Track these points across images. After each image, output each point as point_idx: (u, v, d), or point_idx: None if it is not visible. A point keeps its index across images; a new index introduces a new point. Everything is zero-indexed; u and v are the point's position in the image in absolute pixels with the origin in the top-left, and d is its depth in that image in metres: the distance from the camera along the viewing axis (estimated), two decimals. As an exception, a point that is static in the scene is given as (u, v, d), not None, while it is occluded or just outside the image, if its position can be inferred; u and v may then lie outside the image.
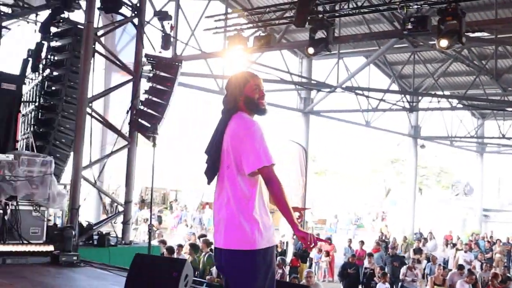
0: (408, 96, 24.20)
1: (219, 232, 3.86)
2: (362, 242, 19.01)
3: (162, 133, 10.20)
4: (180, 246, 13.74)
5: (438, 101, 24.01)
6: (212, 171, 4.01)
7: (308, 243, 3.73)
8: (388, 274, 14.50)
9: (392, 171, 48.38)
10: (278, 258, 14.43)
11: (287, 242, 18.77)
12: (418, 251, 19.23)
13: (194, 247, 13.63)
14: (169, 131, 29.02)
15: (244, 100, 3.96)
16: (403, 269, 14.99)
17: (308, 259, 17.87)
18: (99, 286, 7.30)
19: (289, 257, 17.35)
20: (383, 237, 23.87)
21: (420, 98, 24.70)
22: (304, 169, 21.88)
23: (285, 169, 24.84)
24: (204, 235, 17.29)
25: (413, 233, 26.84)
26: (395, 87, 25.21)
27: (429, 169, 47.49)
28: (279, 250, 16.85)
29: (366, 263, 15.93)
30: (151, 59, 10.47)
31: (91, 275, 7.93)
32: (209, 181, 4.05)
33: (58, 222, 10.90)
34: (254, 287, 3.76)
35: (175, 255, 12.66)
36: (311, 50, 11.31)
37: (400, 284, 14.83)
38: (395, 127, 28.92)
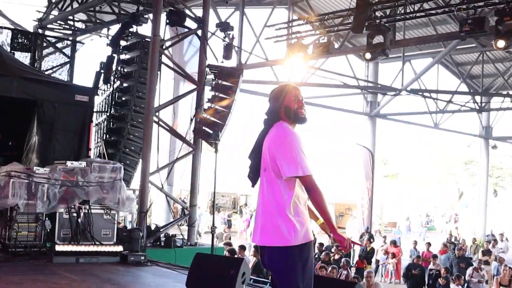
0: (478, 97, 23.86)
1: (258, 230, 4.22)
2: (428, 244, 18.94)
3: (231, 139, 10.66)
4: (242, 248, 14.20)
5: (511, 101, 23.53)
6: (254, 175, 4.37)
7: (345, 245, 4.09)
8: (462, 277, 14.44)
9: (465, 173, 47.39)
10: (343, 259, 14.67)
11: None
12: (486, 252, 19.00)
13: (258, 249, 14.05)
14: (239, 137, 29.59)
15: (284, 111, 4.30)
16: (469, 270, 14.94)
17: (374, 261, 17.99)
18: (163, 283, 7.80)
19: (355, 259, 17.56)
20: (452, 239, 23.61)
21: (490, 98, 24.28)
22: (370, 172, 21.99)
23: (351, 173, 24.93)
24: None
25: (484, 235, 26.37)
26: (464, 87, 24.89)
27: (505, 170, 46.25)
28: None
29: (431, 265, 15.93)
30: (214, 69, 10.96)
31: (156, 273, 8.48)
32: (253, 184, 4.43)
33: (128, 224, 11.55)
34: (292, 280, 4.10)
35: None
36: (368, 56, 11.53)
37: (466, 285, 14.77)
38: (465, 128, 28.48)
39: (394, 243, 19.23)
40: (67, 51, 15.57)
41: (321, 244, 17.24)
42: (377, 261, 18.50)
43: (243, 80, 14.53)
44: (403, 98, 21.54)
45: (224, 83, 10.75)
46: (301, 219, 4.14)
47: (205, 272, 7.27)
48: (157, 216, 15.10)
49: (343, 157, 27.52)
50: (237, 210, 40.02)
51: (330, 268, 12.34)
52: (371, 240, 19.14)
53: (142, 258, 9.20)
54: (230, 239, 17.92)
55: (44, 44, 15.58)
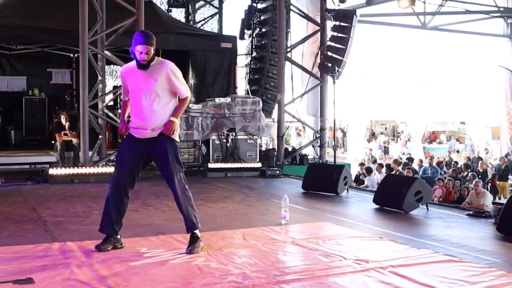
0: None
1: None
2: None
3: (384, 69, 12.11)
4: (380, 165, 16.10)
5: None
6: None
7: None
8: None
9: None
10: (470, 174, 16.00)
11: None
12: None
13: (388, 167, 15.88)
14: (392, 67, 30.45)
15: None
16: None
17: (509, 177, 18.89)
18: (287, 187, 10.07)
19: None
20: None
21: None
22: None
23: (493, 96, 25.23)
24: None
25: None
26: None
27: None
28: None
29: None
30: (331, 12, 12.75)
31: (285, 182, 10.82)
32: None
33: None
34: None
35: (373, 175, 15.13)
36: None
37: None
38: None
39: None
40: (216, 3, 17.99)
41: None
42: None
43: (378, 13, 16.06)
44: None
45: (341, 23, 12.47)
46: None
47: (315, 177, 9.42)
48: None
49: (484, 80, 27.60)
50: (394, 137, 41.05)
51: (446, 180, 13.85)
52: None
53: (277, 172, 11.53)
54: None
55: (196, -1, 18.15)
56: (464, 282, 4.44)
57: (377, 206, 8.03)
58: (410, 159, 19.74)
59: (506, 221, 6.28)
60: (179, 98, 5.41)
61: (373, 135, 37.06)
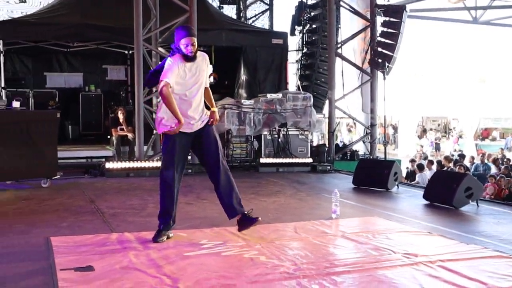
0: None
1: None
2: None
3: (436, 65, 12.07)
4: (430, 162, 15.98)
5: None
6: None
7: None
8: None
9: None
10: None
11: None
12: None
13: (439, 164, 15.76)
14: (445, 63, 30.04)
15: None
16: None
17: None
18: (337, 182, 10.15)
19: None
20: None
21: None
22: None
23: None
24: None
25: None
26: None
27: None
28: None
29: None
30: (381, 7, 12.73)
31: (336, 177, 10.93)
32: None
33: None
34: None
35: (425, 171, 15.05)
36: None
37: None
38: None
39: None
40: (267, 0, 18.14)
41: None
42: None
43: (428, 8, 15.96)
44: None
45: (391, 19, 12.44)
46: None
47: (366, 172, 9.48)
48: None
49: None
50: (446, 134, 40.44)
51: (498, 177, 13.69)
52: None
53: (328, 167, 11.62)
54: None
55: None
56: (513, 278, 4.46)
57: (427, 202, 8.05)
58: (462, 156, 19.52)
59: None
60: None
61: (424, 132, 36.65)
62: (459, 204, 7.58)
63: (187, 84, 5.33)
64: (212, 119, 5.48)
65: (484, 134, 34.94)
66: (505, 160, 19.90)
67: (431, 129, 35.12)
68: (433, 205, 7.90)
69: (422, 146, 26.86)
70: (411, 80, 28.75)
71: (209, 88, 5.65)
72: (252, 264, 4.71)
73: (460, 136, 33.53)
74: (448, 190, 7.68)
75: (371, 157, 13.03)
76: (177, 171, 5.46)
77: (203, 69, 5.42)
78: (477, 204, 7.76)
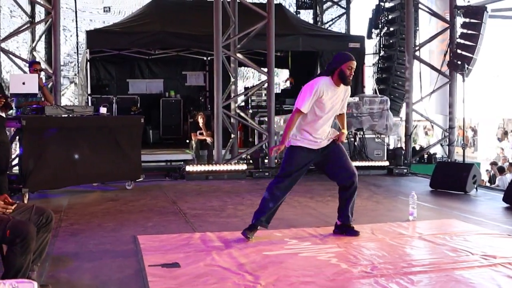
0: None
1: None
2: None
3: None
4: (511, 165, 15.59)
5: None
6: None
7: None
8: None
9: None
10: None
11: None
12: None
13: None
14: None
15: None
16: None
17: None
18: (414, 185, 10.10)
19: None
20: None
21: None
22: None
23: None
24: None
25: None
26: None
27: None
28: None
29: None
30: (461, 8, 12.54)
31: (413, 180, 10.90)
32: None
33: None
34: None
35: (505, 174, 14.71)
36: None
37: None
38: None
39: None
40: (343, 3, 18.16)
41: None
42: None
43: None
44: None
45: (471, 20, 12.24)
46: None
47: (444, 175, 9.40)
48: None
49: None
50: (529, 137, 39.07)
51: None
52: None
53: (405, 170, 11.56)
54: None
55: (324, 0, 18.38)
56: None
57: (507, 205, 7.92)
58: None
59: None
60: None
61: (505, 134, 35.61)
62: (542, 207, 7.45)
63: (330, 107, 5.62)
64: (340, 139, 5.79)
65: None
66: None
67: (506, 132, 34.07)
68: (514, 208, 7.78)
69: (502, 149, 26.08)
70: (491, 81, 27.98)
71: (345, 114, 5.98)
72: (329, 263, 4.84)
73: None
74: (530, 194, 7.57)
75: (449, 160, 12.86)
76: (295, 182, 5.79)
77: (347, 96, 5.80)
78: (561, 209, 7.60)
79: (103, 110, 9.55)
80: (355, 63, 5.58)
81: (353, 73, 5.60)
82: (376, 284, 4.26)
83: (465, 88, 11.63)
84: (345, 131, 5.86)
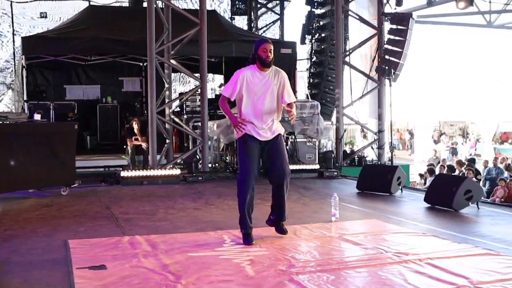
0: None
1: None
2: None
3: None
4: (442, 167, 16.27)
5: None
6: None
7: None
8: None
9: None
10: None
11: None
12: None
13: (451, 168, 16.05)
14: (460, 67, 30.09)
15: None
16: None
17: None
18: (343, 187, 10.51)
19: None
20: None
21: None
22: None
23: None
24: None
25: None
26: None
27: None
28: None
29: None
30: (388, 15, 13.05)
31: (342, 182, 11.30)
32: None
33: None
34: None
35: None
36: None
37: None
38: None
39: None
40: (277, 9, 18.54)
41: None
42: None
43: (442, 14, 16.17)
44: None
45: (398, 26, 12.75)
46: None
47: (370, 177, 9.81)
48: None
49: None
50: (464, 138, 40.30)
51: (508, 180, 13.94)
52: None
53: (335, 173, 11.96)
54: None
55: (258, 6, 18.72)
56: (495, 273, 4.77)
57: (428, 205, 8.34)
58: (472, 160, 19.71)
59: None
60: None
61: (441, 136, 36.63)
62: (459, 206, 7.86)
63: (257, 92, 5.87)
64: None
65: (503, 138, 34.76)
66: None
67: (443, 133, 35.16)
68: (434, 208, 8.19)
69: (435, 151, 26.99)
70: (428, 84, 28.91)
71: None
72: (250, 263, 5.10)
73: (478, 140, 33.48)
74: (448, 193, 7.95)
75: (379, 162, 13.34)
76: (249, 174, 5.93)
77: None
78: (478, 206, 8.04)
79: (37, 116, 9.60)
80: (270, 45, 5.86)
81: (270, 54, 5.84)
82: (290, 282, 4.53)
83: (392, 92, 12.12)
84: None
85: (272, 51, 5.88)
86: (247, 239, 5.82)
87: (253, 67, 5.91)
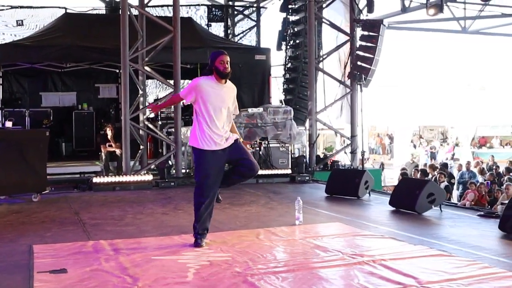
0: None
1: None
2: None
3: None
4: (416, 170, 16.50)
5: None
6: None
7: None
8: None
9: None
10: (506, 177, 16.19)
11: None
12: None
13: (424, 172, 16.28)
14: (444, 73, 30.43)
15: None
16: None
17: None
18: (313, 191, 10.71)
19: None
20: None
21: None
22: None
23: None
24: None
25: None
26: None
27: None
28: None
29: None
30: (359, 22, 13.28)
31: (313, 187, 11.49)
32: None
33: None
34: None
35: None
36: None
37: None
38: None
39: None
40: (254, 16, 18.73)
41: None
42: None
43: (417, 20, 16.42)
44: None
45: (369, 33, 12.98)
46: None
47: (338, 181, 10.00)
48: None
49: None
50: (444, 143, 40.62)
51: (478, 184, 14.19)
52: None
53: (307, 178, 12.14)
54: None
55: (235, 13, 18.91)
56: (444, 273, 4.95)
57: (393, 208, 8.54)
58: (445, 164, 20.05)
59: (507, 220, 6.71)
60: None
61: (420, 140, 36.91)
62: (422, 209, 8.06)
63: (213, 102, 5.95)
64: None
65: (482, 142, 35.12)
66: (494, 167, 20.35)
67: (421, 137, 35.48)
68: (398, 211, 8.39)
69: (412, 155, 27.28)
70: (408, 90, 29.21)
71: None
72: (208, 265, 5.25)
73: (457, 144, 33.76)
74: (411, 196, 8.18)
75: (352, 167, 13.54)
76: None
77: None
78: (441, 209, 8.25)
79: (8, 124, 9.68)
80: (227, 57, 5.95)
81: (228, 66, 5.95)
82: (244, 283, 4.68)
83: (363, 98, 12.38)
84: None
85: (229, 63, 5.99)
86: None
87: (210, 77, 6.00)
